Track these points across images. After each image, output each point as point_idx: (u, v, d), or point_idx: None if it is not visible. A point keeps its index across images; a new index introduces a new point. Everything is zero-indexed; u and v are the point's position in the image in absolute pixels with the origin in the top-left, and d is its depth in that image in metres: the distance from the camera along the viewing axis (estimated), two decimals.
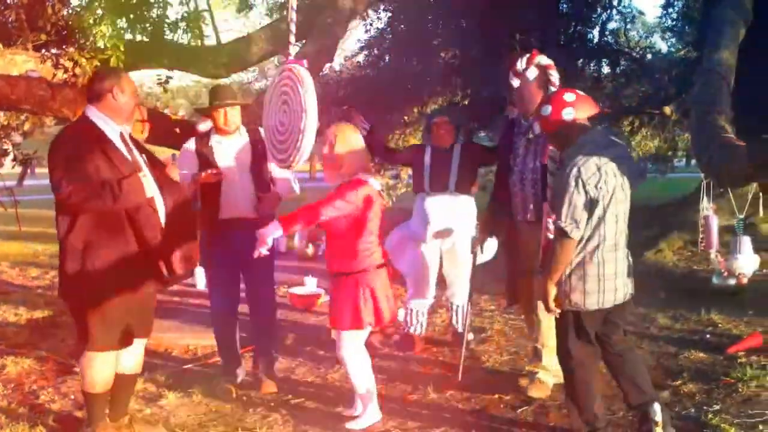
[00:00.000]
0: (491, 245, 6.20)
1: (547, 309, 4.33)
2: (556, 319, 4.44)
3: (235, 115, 5.46)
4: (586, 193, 4.07)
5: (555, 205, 4.19)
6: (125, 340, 4.61)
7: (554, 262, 4.21)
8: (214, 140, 5.54)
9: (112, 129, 4.52)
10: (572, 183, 4.08)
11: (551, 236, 4.39)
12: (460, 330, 6.42)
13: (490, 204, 5.73)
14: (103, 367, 4.60)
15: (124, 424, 4.83)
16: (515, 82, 5.26)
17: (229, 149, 5.49)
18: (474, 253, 5.97)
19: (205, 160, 5.49)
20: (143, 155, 4.71)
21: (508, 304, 5.95)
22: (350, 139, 4.78)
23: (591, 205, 4.09)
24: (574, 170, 4.09)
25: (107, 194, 4.33)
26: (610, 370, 4.56)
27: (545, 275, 4.29)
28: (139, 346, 4.80)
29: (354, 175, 4.79)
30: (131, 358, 4.78)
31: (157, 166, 4.76)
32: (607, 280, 4.23)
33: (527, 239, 5.25)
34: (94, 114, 4.53)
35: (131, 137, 4.74)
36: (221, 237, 5.49)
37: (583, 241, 4.18)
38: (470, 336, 6.61)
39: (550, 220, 4.47)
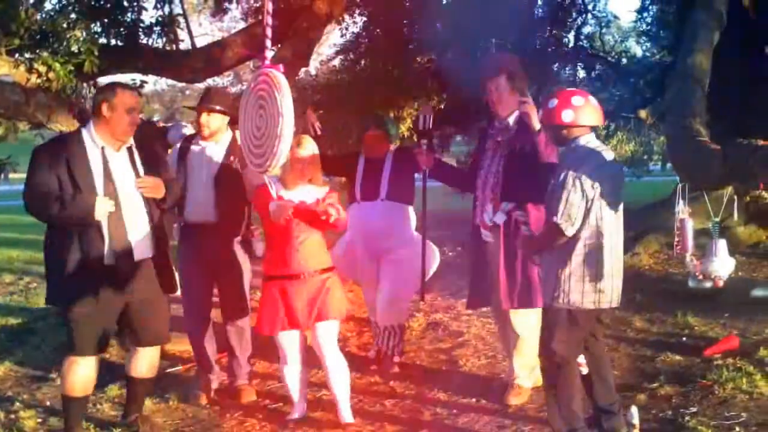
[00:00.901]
0: (435, 255, 6.23)
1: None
2: (544, 315, 4.46)
3: (210, 121, 5.44)
4: (584, 192, 4.12)
5: (551, 203, 4.21)
6: (98, 348, 4.77)
7: (539, 244, 4.44)
8: (194, 142, 5.57)
9: (95, 145, 4.61)
10: (570, 182, 4.12)
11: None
12: (388, 352, 6.16)
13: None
14: (83, 371, 4.73)
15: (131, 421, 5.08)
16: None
17: (200, 154, 5.49)
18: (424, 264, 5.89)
19: (180, 161, 5.52)
20: (139, 173, 4.76)
21: (468, 305, 5.82)
22: (314, 147, 5.06)
23: (587, 204, 4.14)
24: (572, 170, 4.14)
25: (52, 208, 4.48)
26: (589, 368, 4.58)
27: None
28: (149, 352, 4.99)
29: (320, 180, 5.15)
30: (144, 363, 4.98)
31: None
32: (605, 279, 4.26)
33: (492, 248, 5.26)
34: (86, 128, 4.68)
35: (139, 151, 4.81)
36: (190, 240, 5.54)
37: (583, 241, 4.21)
38: (395, 359, 6.19)
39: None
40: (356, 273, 6.30)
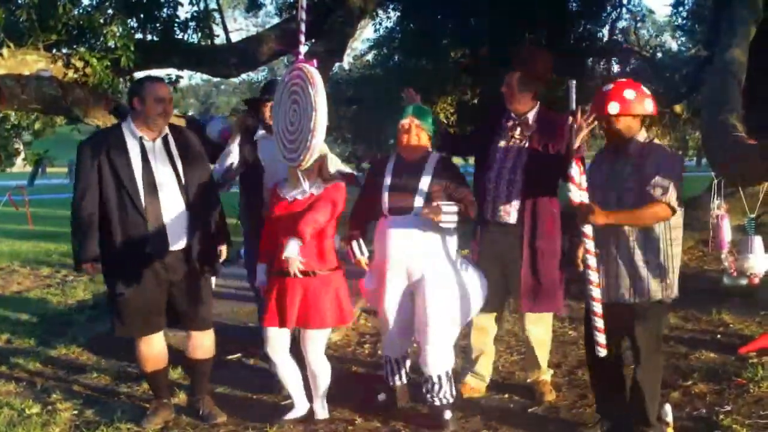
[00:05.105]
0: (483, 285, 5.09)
1: (584, 220, 4.22)
2: (651, 312, 4.39)
3: None
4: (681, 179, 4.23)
5: (661, 184, 4.16)
6: (150, 329, 5.02)
7: (635, 217, 4.21)
8: (260, 135, 5.58)
9: (133, 137, 4.87)
10: (678, 167, 4.24)
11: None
12: (436, 404, 4.96)
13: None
14: (145, 350, 5.07)
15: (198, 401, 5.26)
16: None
17: (272, 147, 5.30)
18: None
19: (248, 154, 5.58)
20: (176, 162, 4.94)
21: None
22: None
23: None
24: (672, 157, 4.30)
25: (89, 196, 4.80)
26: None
27: (617, 213, 4.23)
28: (198, 335, 5.16)
29: (333, 179, 4.96)
30: (194, 346, 5.18)
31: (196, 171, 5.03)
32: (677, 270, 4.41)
33: (503, 245, 5.17)
34: (126, 122, 4.95)
35: (175, 141, 4.98)
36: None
37: (678, 230, 4.32)
38: (447, 415, 4.95)
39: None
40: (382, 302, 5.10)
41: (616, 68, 14.32)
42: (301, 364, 5.09)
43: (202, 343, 5.16)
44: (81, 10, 7.68)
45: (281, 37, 8.97)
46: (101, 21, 7.34)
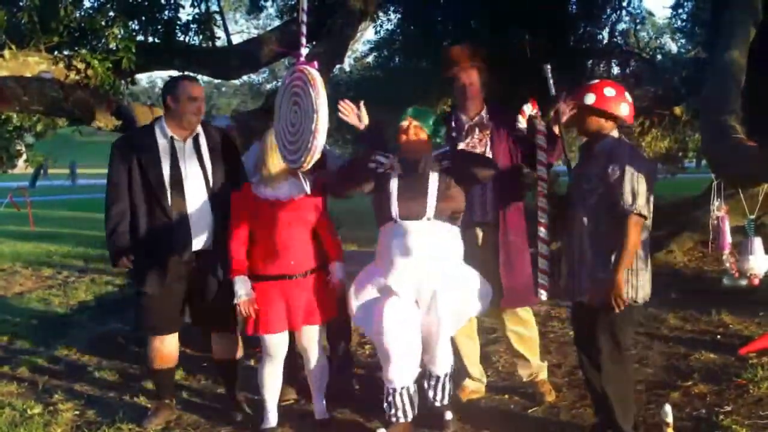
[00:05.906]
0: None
1: (620, 304, 4.16)
2: (617, 314, 4.22)
3: None
4: (649, 182, 4.15)
5: (627, 191, 4.10)
6: (167, 328, 5.07)
7: (630, 247, 4.11)
8: None
9: (163, 136, 4.92)
10: (651, 175, 4.17)
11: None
12: (437, 404, 4.91)
13: None
14: (158, 346, 5.08)
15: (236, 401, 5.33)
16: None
17: None
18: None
19: None
20: (205, 163, 4.99)
21: None
22: None
23: (651, 195, 4.19)
24: (652, 164, 4.17)
25: (119, 199, 4.88)
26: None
27: (620, 265, 4.11)
28: (220, 335, 5.21)
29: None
30: (217, 345, 5.24)
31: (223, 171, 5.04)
32: (649, 272, 4.33)
33: (478, 243, 5.19)
34: (158, 121, 5.00)
35: (207, 141, 5.03)
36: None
37: (644, 232, 4.24)
38: (448, 416, 4.95)
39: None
40: (367, 323, 4.81)
41: (616, 70, 14.32)
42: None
43: (223, 344, 5.21)
44: (82, 12, 7.72)
45: (282, 38, 9.00)
46: (103, 23, 7.38)
